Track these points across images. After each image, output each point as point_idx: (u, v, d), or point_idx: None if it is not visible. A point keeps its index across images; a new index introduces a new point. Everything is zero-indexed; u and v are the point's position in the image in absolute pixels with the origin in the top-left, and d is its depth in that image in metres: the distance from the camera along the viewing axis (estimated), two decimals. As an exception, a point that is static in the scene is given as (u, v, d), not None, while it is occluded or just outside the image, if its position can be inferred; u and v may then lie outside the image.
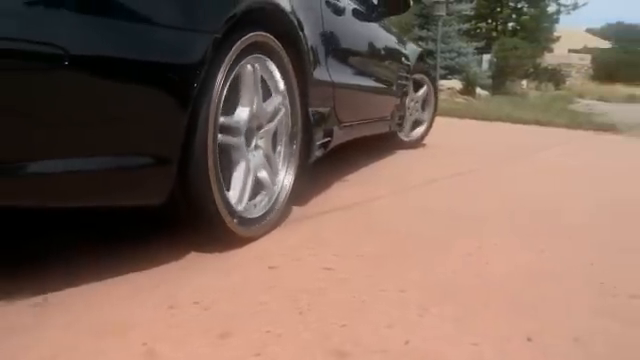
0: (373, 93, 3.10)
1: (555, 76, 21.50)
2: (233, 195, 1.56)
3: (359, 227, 1.89)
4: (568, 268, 1.57)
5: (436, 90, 4.34)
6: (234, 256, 1.51)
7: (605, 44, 40.73)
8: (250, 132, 1.67)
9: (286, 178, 1.86)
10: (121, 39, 1.15)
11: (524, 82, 17.33)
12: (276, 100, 1.79)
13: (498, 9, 24.33)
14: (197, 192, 1.41)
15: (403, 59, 3.66)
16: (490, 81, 14.18)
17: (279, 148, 1.87)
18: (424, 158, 3.74)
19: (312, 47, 2.00)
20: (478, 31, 22.62)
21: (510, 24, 24.89)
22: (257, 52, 1.64)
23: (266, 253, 1.55)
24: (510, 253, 1.68)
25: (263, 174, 1.73)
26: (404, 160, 3.59)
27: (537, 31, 24.31)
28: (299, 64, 1.87)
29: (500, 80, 14.62)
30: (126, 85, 1.18)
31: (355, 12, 2.80)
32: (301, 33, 1.87)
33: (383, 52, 3.33)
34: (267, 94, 1.76)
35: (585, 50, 32.75)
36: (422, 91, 4.13)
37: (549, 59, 23.35)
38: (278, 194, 1.81)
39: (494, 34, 23.24)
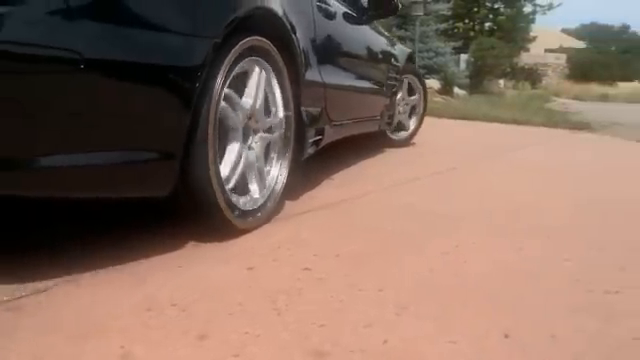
0: (363, 93, 3.16)
1: (532, 75, 21.80)
2: (223, 171, 1.62)
3: (340, 226, 1.89)
4: (545, 266, 1.59)
5: (425, 90, 4.38)
6: (212, 257, 1.50)
7: (580, 44, 41.45)
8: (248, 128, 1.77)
9: (280, 172, 1.95)
10: (130, 44, 1.25)
11: (501, 81, 17.55)
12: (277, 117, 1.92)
13: (475, 9, 24.48)
14: (198, 185, 1.50)
15: (392, 60, 3.71)
16: (468, 80, 14.31)
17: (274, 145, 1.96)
18: (411, 156, 3.77)
19: (304, 50, 2.09)
20: (456, 31, 22.72)
21: (487, 24, 25.04)
22: (254, 55, 1.74)
23: (246, 253, 1.54)
24: (488, 252, 1.69)
25: (259, 164, 1.82)
26: (391, 158, 3.63)
27: (514, 31, 24.52)
28: (292, 66, 1.96)
29: (478, 79, 14.78)
30: (134, 86, 1.28)
31: (345, 15, 2.85)
32: (294, 36, 1.96)
33: (373, 54, 3.38)
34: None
35: (561, 50, 33.34)
36: (415, 97, 4.23)
37: (526, 59, 23.63)
38: (273, 188, 1.89)
39: (471, 34, 23.35)
